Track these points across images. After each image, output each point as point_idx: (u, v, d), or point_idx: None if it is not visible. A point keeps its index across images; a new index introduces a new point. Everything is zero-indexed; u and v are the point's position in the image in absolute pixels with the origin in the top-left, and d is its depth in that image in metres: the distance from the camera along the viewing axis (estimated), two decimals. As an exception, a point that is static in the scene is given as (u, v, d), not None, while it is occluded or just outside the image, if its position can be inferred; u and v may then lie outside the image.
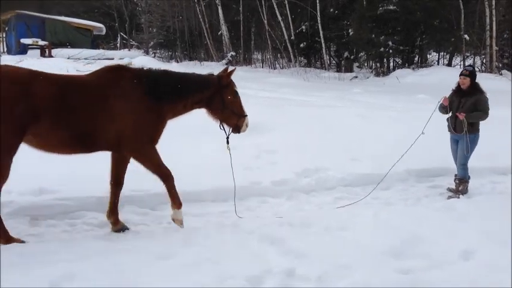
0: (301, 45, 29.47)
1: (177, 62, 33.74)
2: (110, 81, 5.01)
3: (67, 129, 4.72)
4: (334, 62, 31.23)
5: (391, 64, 26.86)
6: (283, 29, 29.23)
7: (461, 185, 7.47)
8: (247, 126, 5.73)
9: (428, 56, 28.95)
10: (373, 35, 24.47)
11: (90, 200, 6.02)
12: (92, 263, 3.94)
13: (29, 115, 4.46)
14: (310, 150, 8.45)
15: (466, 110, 7.31)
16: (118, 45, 47.46)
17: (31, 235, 5.08)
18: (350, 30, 26.70)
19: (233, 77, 5.67)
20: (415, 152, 7.55)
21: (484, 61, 24.46)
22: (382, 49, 24.65)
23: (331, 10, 28.48)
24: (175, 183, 5.27)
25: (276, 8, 29.02)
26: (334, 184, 7.65)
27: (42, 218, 5.59)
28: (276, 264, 4.01)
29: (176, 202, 5.37)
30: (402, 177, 7.97)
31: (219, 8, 31.86)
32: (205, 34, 33.72)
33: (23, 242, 4.65)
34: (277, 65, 31.38)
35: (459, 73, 7.64)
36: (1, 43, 34.29)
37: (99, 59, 24.23)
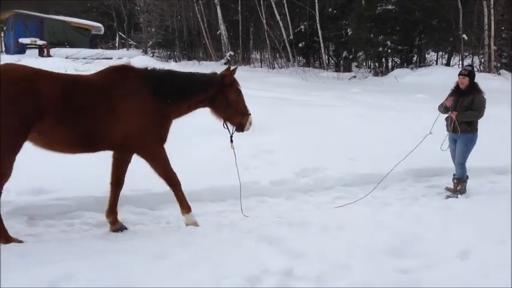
0: (300, 44, 29.50)
1: (176, 61, 33.72)
2: (115, 81, 5.02)
3: (72, 129, 4.72)
4: (332, 61, 31.26)
5: (390, 64, 26.90)
6: (282, 28, 29.22)
7: (460, 184, 7.47)
8: (250, 124, 5.74)
9: (426, 55, 29.01)
10: (372, 35, 24.50)
11: (88, 200, 6.02)
12: (90, 263, 3.93)
13: (34, 113, 4.46)
14: (308, 149, 8.45)
15: (462, 109, 7.33)
16: (116, 44, 47.40)
17: (29, 235, 5.08)
18: (349, 30, 26.74)
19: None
20: (413, 152, 7.56)
21: (483, 61, 24.48)
22: (380, 49, 24.68)
23: (330, 10, 28.51)
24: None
25: (275, 8, 29.02)
26: (332, 184, 7.65)
27: (40, 217, 5.58)
28: (274, 264, 4.01)
29: (185, 207, 5.40)
30: (400, 177, 7.97)
31: (218, 7, 31.84)
32: (204, 34, 33.69)
33: (21, 241, 4.64)
34: (275, 65, 31.37)
35: (458, 73, 7.65)
36: (-1, 43, 34.33)
37: (97, 58, 24.23)
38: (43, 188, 6.03)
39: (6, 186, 4.60)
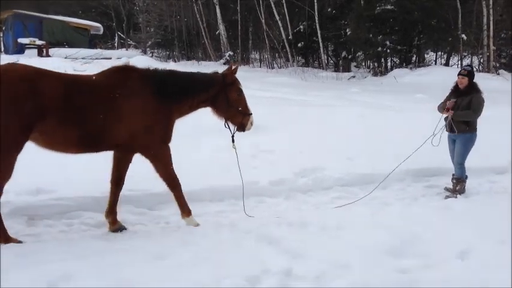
0: (299, 44, 29.51)
1: (175, 61, 33.72)
2: (117, 81, 5.02)
3: (74, 129, 4.72)
4: (332, 61, 31.28)
5: (389, 64, 26.91)
6: (281, 28, 29.23)
7: (459, 184, 7.48)
8: (252, 124, 5.74)
9: (425, 55, 29.03)
10: (371, 35, 24.51)
11: (87, 200, 6.02)
12: (89, 263, 3.93)
13: (36, 113, 4.46)
14: (307, 149, 8.45)
15: (461, 109, 7.35)
16: (115, 44, 47.40)
17: (28, 235, 5.08)
18: (348, 30, 26.77)
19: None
20: (412, 152, 7.57)
21: (482, 61, 24.49)
22: (379, 49, 24.69)
23: (329, 10, 28.53)
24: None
25: (274, 8, 29.02)
26: (331, 184, 7.66)
27: (39, 218, 5.58)
28: (274, 264, 4.01)
29: (185, 210, 5.42)
30: (399, 177, 7.97)
31: (217, 7, 31.83)
32: (203, 33, 33.69)
33: (20, 242, 4.64)
34: (275, 65, 31.37)
35: (457, 73, 7.66)
36: (-1, 43, 34.26)
37: (96, 58, 24.20)
38: (42, 188, 6.02)
39: (6, 186, 4.60)
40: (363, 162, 8.23)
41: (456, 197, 7.23)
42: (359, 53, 28.46)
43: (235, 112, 5.62)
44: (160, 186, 5.46)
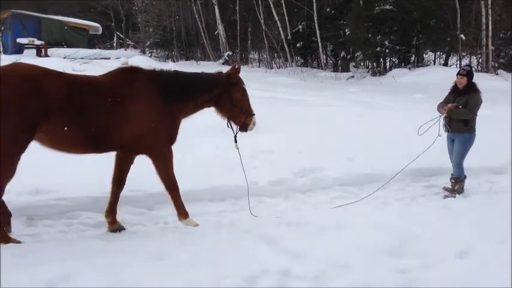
0: (298, 44, 29.51)
1: (174, 61, 33.70)
2: (123, 82, 5.03)
3: (80, 129, 4.73)
4: (330, 61, 31.30)
5: (388, 64, 26.94)
6: (280, 28, 29.25)
7: (457, 184, 7.49)
8: (254, 125, 5.75)
9: (424, 55, 29.02)
10: (370, 35, 24.53)
11: (86, 200, 6.02)
12: (88, 263, 3.93)
13: (40, 113, 4.46)
14: (306, 149, 8.45)
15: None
16: (114, 44, 47.36)
17: (27, 235, 5.08)
18: (346, 30, 26.77)
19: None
20: (411, 151, 7.57)
21: (480, 61, 24.50)
22: (378, 49, 24.71)
23: (328, 10, 28.53)
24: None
25: (273, 8, 29.03)
26: (330, 184, 7.66)
27: (39, 218, 5.58)
28: (272, 264, 4.01)
29: (182, 213, 5.43)
30: (399, 176, 7.97)
31: (216, 7, 31.83)
32: (202, 34, 33.70)
33: (19, 242, 4.64)
34: (274, 65, 31.39)
35: (457, 72, 7.67)
36: (-3, 43, 34.18)
37: (95, 58, 24.16)
38: (41, 188, 6.02)
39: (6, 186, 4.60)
40: (362, 162, 8.24)
41: (455, 197, 7.23)
42: (358, 53, 28.49)
43: (238, 112, 5.63)
44: (159, 186, 5.46)
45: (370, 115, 10.93)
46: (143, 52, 39.54)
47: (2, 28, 33.14)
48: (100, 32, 36.77)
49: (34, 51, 27.80)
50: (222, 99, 5.56)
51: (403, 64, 25.84)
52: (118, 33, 47.69)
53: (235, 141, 5.78)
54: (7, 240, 4.57)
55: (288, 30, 29.33)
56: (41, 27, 31.02)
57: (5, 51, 31.41)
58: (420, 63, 26.60)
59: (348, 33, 26.52)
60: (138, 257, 4.15)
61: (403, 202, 7.04)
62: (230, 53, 32.16)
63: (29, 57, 21.29)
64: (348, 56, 28.78)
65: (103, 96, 4.85)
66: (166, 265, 4.00)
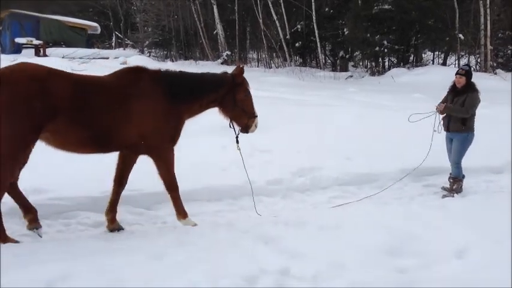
0: (297, 44, 29.51)
1: (172, 61, 33.71)
2: (129, 82, 5.04)
3: (85, 129, 4.74)
4: (329, 61, 31.29)
5: (386, 63, 26.94)
6: (279, 28, 29.24)
7: (456, 183, 7.49)
8: (256, 127, 5.76)
9: (423, 55, 29.04)
10: (368, 34, 24.53)
11: (84, 200, 6.02)
12: (87, 263, 3.92)
13: (47, 113, 4.47)
14: (305, 149, 8.45)
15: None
16: (113, 44, 47.34)
17: (25, 235, 5.07)
18: (345, 30, 26.76)
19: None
20: (410, 151, 7.57)
21: (479, 60, 24.54)
22: (377, 48, 24.71)
23: (327, 9, 28.52)
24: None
25: (271, 7, 29.03)
26: (329, 183, 7.66)
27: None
28: (271, 264, 4.00)
29: (181, 212, 5.44)
30: (396, 176, 7.98)
31: (214, 7, 31.83)
32: (201, 33, 33.70)
33: (17, 242, 4.64)
34: (272, 64, 31.40)
35: (455, 72, 7.68)
36: (-5, 42, 34.15)
37: (94, 58, 24.16)
38: (39, 188, 6.00)
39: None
40: (361, 162, 8.23)
41: (453, 196, 7.24)
42: (356, 53, 28.50)
43: (241, 112, 5.64)
44: (157, 186, 5.45)
45: (369, 115, 10.93)
46: (142, 52, 39.51)
47: (1, 28, 33.11)
48: (99, 31, 36.76)
49: (32, 50, 27.79)
50: (226, 100, 5.57)
51: (401, 64, 25.84)
52: (117, 32, 47.67)
53: (237, 141, 5.78)
54: (5, 239, 4.56)
55: (287, 29, 29.33)
56: (39, 27, 31.00)
57: (3, 51, 31.35)
58: (419, 62, 26.64)
59: (346, 32, 26.52)
60: (136, 257, 4.14)
61: (402, 201, 7.04)
62: (229, 52, 32.17)
63: (27, 57, 21.28)
64: (347, 56, 28.79)
65: (109, 96, 4.86)
66: (164, 265, 3.99)
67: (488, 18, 22.74)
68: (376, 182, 7.81)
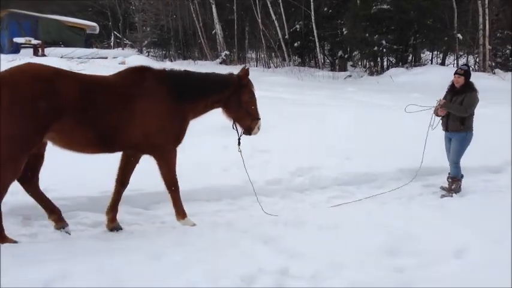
0: (295, 44, 29.50)
1: (171, 61, 33.67)
2: (134, 82, 5.04)
3: (90, 129, 4.74)
4: (328, 61, 31.27)
5: (385, 63, 26.92)
6: (277, 28, 29.21)
7: (454, 183, 7.50)
8: (259, 129, 5.77)
9: (421, 55, 29.02)
10: (367, 34, 24.52)
11: (83, 199, 6.01)
12: (85, 263, 3.92)
13: (52, 113, 4.47)
14: (304, 149, 8.45)
15: (454, 107, 7.40)
16: (112, 44, 47.25)
17: (24, 235, 5.07)
18: (344, 29, 26.74)
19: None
20: (409, 151, 7.58)
21: (477, 60, 24.55)
22: (375, 48, 24.70)
23: (325, 9, 28.50)
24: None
25: (270, 7, 29.01)
26: (328, 183, 7.66)
27: (35, 217, 5.56)
28: (270, 263, 4.00)
29: (180, 212, 5.44)
30: (396, 176, 7.98)
31: (213, 7, 31.81)
32: (199, 33, 33.67)
33: (15, 242, 4.64)
34: (271, 64, 31.36)
35: (454, 72, 7.68)
36: (-6, 42, 34.08)
37: (92, 58, 24.11)
38: (38, 187, 5.99)
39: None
40: (360, 162, 8.24)
41: (452, 196, 7.25)
42: (355, 53, 28.47)
43: (245, 114, 5.65)
44: (156, 185, 5.45)
45: (368, 114, 10.94)
46: (140, 51, 39.51)
47: (-1, 27, 33.07)
48: (97, 31, 36.76)
49: (31, 50, 27.75)
50: (231, 101, 5.57)
51: (400, 63, 25.83)
52: (115, 32, 47.61)
53: (239, 143, 5.77)
54: (4, 240, 4.56)
55: (286, 29, 29.32)
56: (38, 27, 30.98)
57: (2, 51, 31.31)
58: (417, 62, 26.63)
59: (345, 32, 26.50)
60: (135, 257, 4.14)
61: (401, 201, 7.03)
62: (227, 52, 32.15)
63: (25, 57, 21.26)
64: (346, 56, 28.77)
65: (114, 96, 4.87)
66: (163, 265, 3.99)
67: (487, 18, 22.75)
68: (375, 182, 7.82)
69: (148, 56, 37.33)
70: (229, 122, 5.80)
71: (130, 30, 45.01)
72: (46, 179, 5.32)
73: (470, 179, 7.91)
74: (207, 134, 8.02)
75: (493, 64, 24.05)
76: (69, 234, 5.21)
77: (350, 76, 25.44)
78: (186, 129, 5.37)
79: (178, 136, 5.30)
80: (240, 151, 5.76)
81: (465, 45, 25.23)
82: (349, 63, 29.22)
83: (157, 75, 5.21)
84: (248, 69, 5.71)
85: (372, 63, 27.24)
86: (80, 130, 4.70)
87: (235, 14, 31.99)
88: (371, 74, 25.87)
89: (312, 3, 27.05)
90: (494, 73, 22.40)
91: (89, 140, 4.80)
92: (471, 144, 7.44)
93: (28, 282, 3.53)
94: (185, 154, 7.27)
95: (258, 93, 5.83)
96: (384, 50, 24.85)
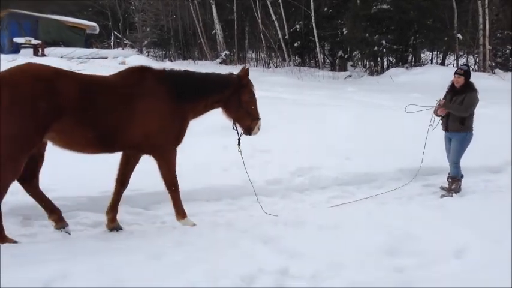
0: (295, 44, 29.48)
1: (171, 61, 33.66)
2: (134, 82, 5.04)
3: (91, 129, 4.74)
4: (328, 61, 31.27)
5: (385, 63, 26.92)
6: (277, 28, 29.21)
7: (454, 183, 7.50)
8: (259, 129, 5.78)
9: (421, 55, 29.01)
10: (367, 34, 24.52)
11: (82, 199, 6.01)
12: (84, 263, 3.91)
13: (52, 113, 4.47)
14: (304, 149, 8.45)
15: (454, 107, 7.40)
16: (112, 44, 47.23)
17: (23, 235, 5.07)
18: (344, 29, 26.74)
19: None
20: (409, 151, 7.58)
21: (477, 60, 24.55)
22: (375, 48, 24.70)
23: (325, 9, 28.49)
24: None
25: (270, 7, 29.00)
26: (328, 183, 7.66)
27: (35, 217, 5.56)
28: (269, 263, 4.00)
29: (180, 212, 5.45)
30: (396, 176, 7.98)
31: (213, 7, 31.80)
32: (199, 33, 33.66)
33: (15, 242, 4.64)
34: (271, 64, 31.34)
35: (454, 71, 7.69)
36: (-6, 42, 34.08)
37: (92, 58, 24.12)
38: (38, 187, 5.99)
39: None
40: (360, 162, 8.24)
41: (452, 196, 7.25)
42: (355, 53, 28.47)
43: (245, 114, 5.65)
44: (156, 185, 5.45)
45: (368, 114, 10.94)
46: (140, 51, 39.50)
47: (-1, 27, 33.06)
48: (97, 31, 36.75)
49: (31, 50, 27.75)
50: (231, 100, 5.58)
51: (400, 63, 25.83)
52: (115, 32, 47.60)
53: (239, 143, 5.77)
54: (4, 240, 4.56)
55: (286, 29, 29.31)
56: (38, 27, 30.97)
57: (2, 51, 31.30)
58: (417, 62, 26.63)
59: (345, 32, 26.50)
60: (135, 257, 4.14)
61: (401, 201, 7.04)
62: (227, 52, 32.15)
63: (25, 57, 21.26)
64: (346, 56, 28.77)
65: (114, 96, 4.87)
66: (163, 265, 3.99)
67: (487, 18, 22.75)
68: (375, 182, 7.82)
69: (148, 56, 37.32)
70: (229, 122, 5.80)
71: (130, 30, 45.00)
72: (46, 179, 5.33)
73: (470, 179, 7.91)
74: (207, 134, 8.03)
75: (493, 64, 24.05)
76: (69, 234, 5.21)
77: (350, 76, 25.44)
78: (186, 129, 5.38)
79: (178, 136, 5.31)
80: (240, 151, 5.76)
81: (465, 45, 25.23)
82: (349, 63, 29.22)
83: (158, 75, 5.21)
84: (248, 69, 5.71)
85: (372, 63, 27.24)
86: (80, 130, 4.70)
87: (235, 14, 31.98)
88: (371, 74, 25.87)
89: (312, 3, 27.05)
90: (494, 73, 22.40)
91: (89, 140, 4.80)
92: (471, 144, 7.44)
93: (28, 282, 3.53)
94: (185, 154, 7.27)
95: (258, 93, 5.83)
96: (384, 50, 24.85)
